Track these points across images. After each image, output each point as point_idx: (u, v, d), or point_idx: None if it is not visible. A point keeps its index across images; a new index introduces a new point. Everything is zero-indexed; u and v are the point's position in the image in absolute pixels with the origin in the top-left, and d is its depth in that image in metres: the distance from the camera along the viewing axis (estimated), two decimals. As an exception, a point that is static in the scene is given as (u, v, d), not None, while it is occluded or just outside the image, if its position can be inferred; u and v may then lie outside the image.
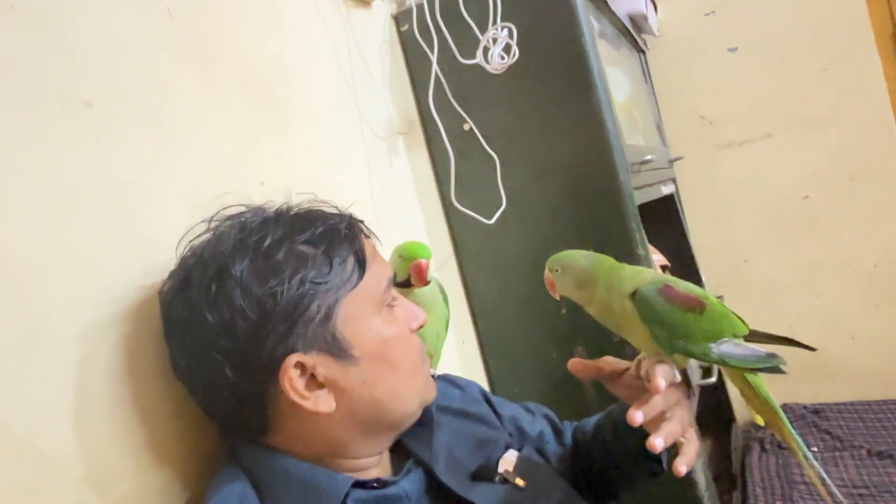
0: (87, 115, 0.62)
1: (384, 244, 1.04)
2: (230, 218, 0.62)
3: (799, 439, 0.68)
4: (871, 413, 1.97)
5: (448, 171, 1.21)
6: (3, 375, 0.50)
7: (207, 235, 0.62)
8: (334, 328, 0.59)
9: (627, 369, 0.70)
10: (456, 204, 1.20)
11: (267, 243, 0.57)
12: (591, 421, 0.86)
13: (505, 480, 0.68)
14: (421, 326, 0.67)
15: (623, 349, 1.13)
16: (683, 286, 0.65)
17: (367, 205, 1.07)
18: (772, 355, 0.66)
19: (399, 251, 0.81)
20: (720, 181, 2.13)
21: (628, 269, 0.66)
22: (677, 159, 2.02)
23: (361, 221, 0.67)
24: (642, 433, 0.65)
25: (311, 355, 0.58)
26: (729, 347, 0.65)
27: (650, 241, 1.77)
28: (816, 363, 2.09)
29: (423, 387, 0.67)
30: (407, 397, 0.64)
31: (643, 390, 0.66)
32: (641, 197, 1.32)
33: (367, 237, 0.67)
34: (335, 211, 0.65)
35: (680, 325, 0.63)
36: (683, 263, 1.97)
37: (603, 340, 1.13)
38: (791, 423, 2.07)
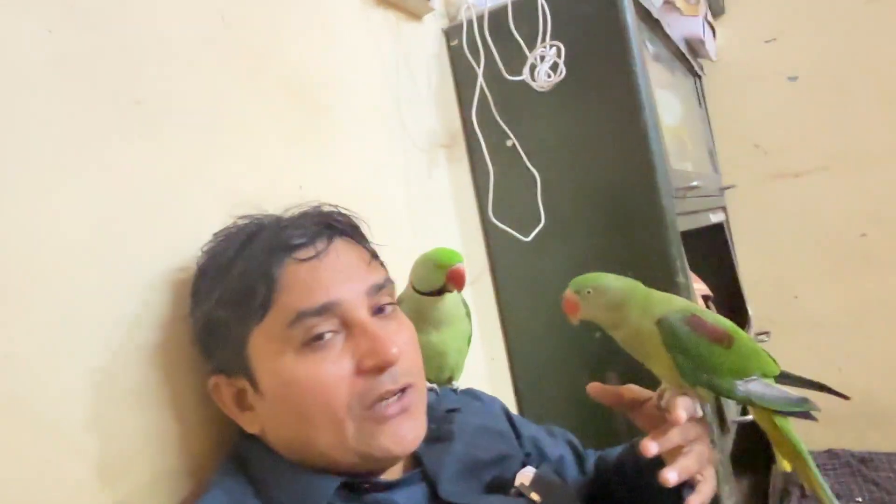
0: (136, 112, 0.65)
1: (417, 254, 1.04)
2: (224, 230, 0.64)
3: (828, 490, 0.65)
4: (924, 466, 1.86)
5: (488, 185, 1.21)
6: (33, 353, 0.52)
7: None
8: (247, 357, 0.58)
9: (650, 399, 0.68)
10: (493, 219, 1.20)
11: (207, 262, 0.62)
12: (615, 452, 0.83)
13: (520, 494, 0.66)
14: (386, 365, 0.57)
15: (656, 379, 1.10)
16: (712, 317, 0.63)
17: (402, 214, 1.08)
18: (803, 399, 0.64)
19: (433, 259, 0.78)
20: (773, 213, 2.06)
21: (658, 295, 0.65)
22: (729, 188, 1.97)
23: (341, 231, 0.63)
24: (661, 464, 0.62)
25: (235, 378, 0.60)
26: (757, 386, 0.62)
27: (695, 270, 1.72)
28: (867, 409, 1.98)
29: (360, 437, 0.57)
30: (321, 447, 0.57)
31: (664, 422, 0.64)
32: (687, 223, 1.29)
33: (316, 255, 0.59)
34: (306, 218, 0.63)
35: (705, 357, 0.61)
36: (730, 295, 1.91)
37: (636, 368, 1.08)
38: (836, 469, 1.96)
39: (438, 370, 0.83)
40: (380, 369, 0.57)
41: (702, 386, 0.61)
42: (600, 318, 0.66)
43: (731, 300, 1.90)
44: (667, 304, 0.64)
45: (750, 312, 1.91)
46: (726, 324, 0.64)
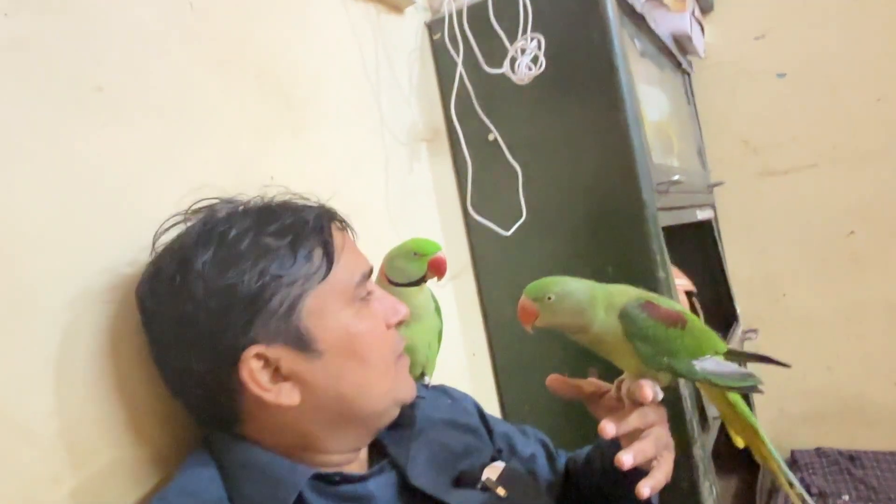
0: (97, 98, 0.64)
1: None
2: (201, 210, 0.63)
3: (782, 462, 0.67)
4: (912, 465, 1.86)
5: (468, 179, 1.20)
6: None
7: (181, 227, 0.62)
8: (298, 321, 0.58)
9: (609, 391, 0.68)
10: (472, 213, 1.19)
11: (231, 235, 0.58)
12: (584, 452, 0.83)
13: (486, 488, 0.66)
14: (401, 322, 0.66)
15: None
16: (665, 302, 0.64)
17: (381, 208, 1.07)
18: (749, 374, 0.65)
19: (413, 249, 0.77)
20: (761, 210, 2.06)
21: (615, 288, 0.64)
22: (717, 184, 1.96)
23: (334, 214, 0.65)
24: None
25: (275, 348, 0.57)
26: (711, 365, 0.63)
27: (683, 267, 1.72)
28: (856, 408, 1.98)
29: (396, 384, 0.65)
30: (377, 393, 0.62)
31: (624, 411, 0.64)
32: (670, 219, 1.28)
33: (343, 229, 0.66)
34: (309, 203, 0.65)
35: (663, 341, 0.61)
36: (718, 293, 1.90)
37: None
38: (824, 467, 1.96)
39: (411, 366, 0.82)
40: (397, 325, 0.66)
41: (663, 370, 0.61)
42: (564, 323, 0.64)
43: (719, 298, 1.90)
44: (625, 295, 0.63)
45: (738, 310, 1.90)
46: (677, 307, 0.64)
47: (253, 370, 0.56)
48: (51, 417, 0.56)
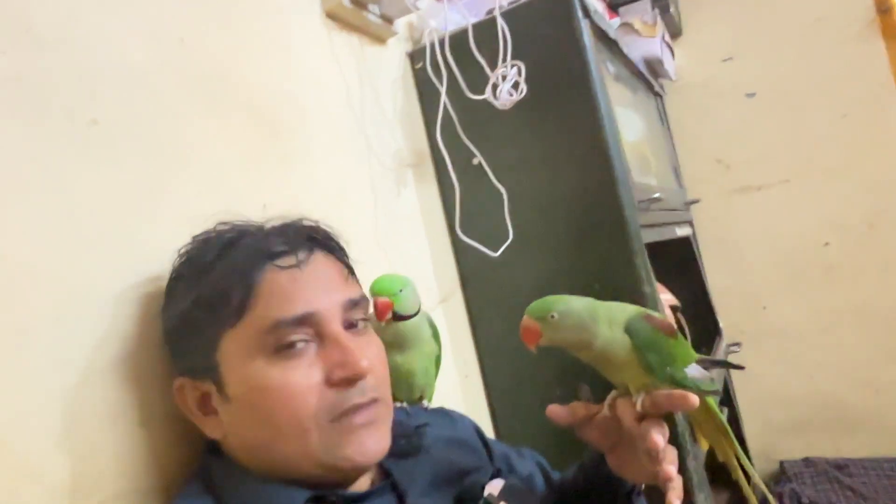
0: (92, 132, 0.65)
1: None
2: (205, 233, 0.64)
3: (747, 461, 0.72)
4: (898, 471, 1.88)
5: (455, 203, 1.22)
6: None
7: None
8: (216, 361, 0.58)
9: (598, 412, 0.67)
10: (461, 235, 1.21)
11: (185, 264, 0.61)
12: (569, 473, 0.82)
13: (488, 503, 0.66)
14: (355, 377, 0.58)
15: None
16: (658, 314, 0.66)
17: (370, 233, 1.08)
18: (712, 379, 0.69)
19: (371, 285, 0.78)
20: (737, 226, 2.11)
21: (614, 305, 0.66)
22: (693, 202, 2.01)
23: (321, 243, 0.64)
24: (613, 480, 0.69)
25: (201, 381, 0.59)
26: (694, 372, 0.65)
27: (664, 283, 1.75)
28: (838, 416, 2.02)
29: (326, 448, 0.57)
30: (285, 455, 0.57)
31: (616, 430, 0.65)
32: (652, 236, 1.31)
33: (297, 264, 0.59)
34: (292, 230, 0.63)
35: (666, 351, 0.63)
36: (700, 308, 1.93)
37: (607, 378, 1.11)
38: (813, 477, 2.00)
39: (408, 390, 0.83)
40: (350, 382, 0.58)
41: (666, 381, 0.62)
42: (568, 340, 0.64)
43: (701, 312, 1.93)
44: (624, 311, 0.65)
45: (720, 324, 1.94)
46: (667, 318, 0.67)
47: (184, 399, 0.60)
48: (55, 451, 0.55)
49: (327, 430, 0.57)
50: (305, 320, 0.58)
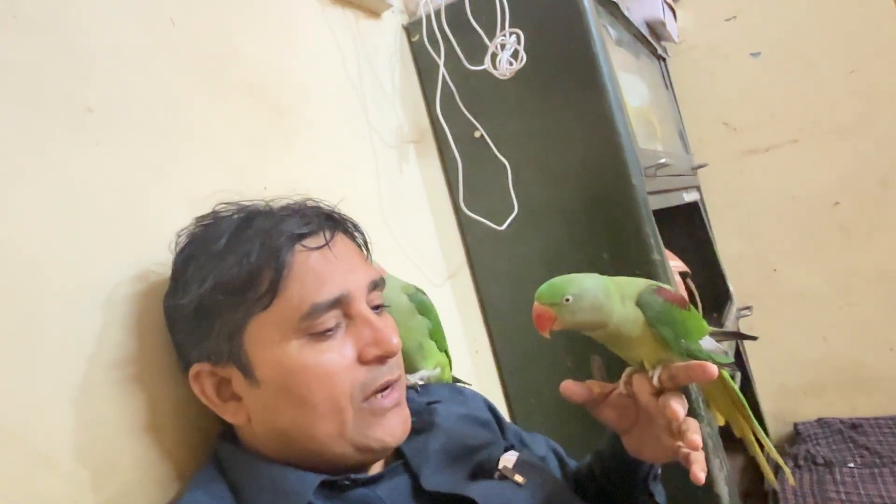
0: (89, 119, 0.64)
1: (394, 252, 1.03)
2: (212, 214, 0.63)
3: (761, 432, 0.70)
4: (913, 428, 1.88)
5: (458, 177, 1.21)
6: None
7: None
8: (241, 346, 0.57)
9: (613, 390, 0.66)
10: (465, 210, 1.19)
11: (196, 247, 0.60)
12: (586, 461, 0.81)
13: (504, 477, 0.66)
14: (388, 355, 0.60)
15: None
16: (669, 287, 0.65)
17: (375, 212, 1.07)
18: (726, 351, 0.67)
19: None
20: (746, 188, 2.08)
21: (623, 280, 0.65)
22: (701, 166, 1.98)
23: (340, 224, 0.63)
24: (630, 464, 0.68)
25: (224, 367, 0.58)
26: (708, 344, 0.64)
27: (675, 250, 1.73)
28: (854, 376, 2.00)
29: (357, 428, 0.58)
30: (320, 436, 0.58)
31: (632, 407, 0.64)
32: (660, 202, 1.29)
33: (326, 246, 0.60)
34: (292, 215, 0.61)
35: (679, 323, 0.61)
36: (710, 273, 1.92)
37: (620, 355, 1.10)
38: (827, 437, 1.99)
39: (410, 368, 0.83)
40: (381, 359, 0.60)
41: (682, 354, 0.61)
42: (584, 323, 0.62)
43: (711, 278, 1.91)
44: (634, 285, 0.63)
45: (731, 289, 1.92)
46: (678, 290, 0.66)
47: (203, 385, 0.59)
48: (68, 441, 0.55)
49: (360, 412, 0.59)
50: (339, 302, 0.59)
